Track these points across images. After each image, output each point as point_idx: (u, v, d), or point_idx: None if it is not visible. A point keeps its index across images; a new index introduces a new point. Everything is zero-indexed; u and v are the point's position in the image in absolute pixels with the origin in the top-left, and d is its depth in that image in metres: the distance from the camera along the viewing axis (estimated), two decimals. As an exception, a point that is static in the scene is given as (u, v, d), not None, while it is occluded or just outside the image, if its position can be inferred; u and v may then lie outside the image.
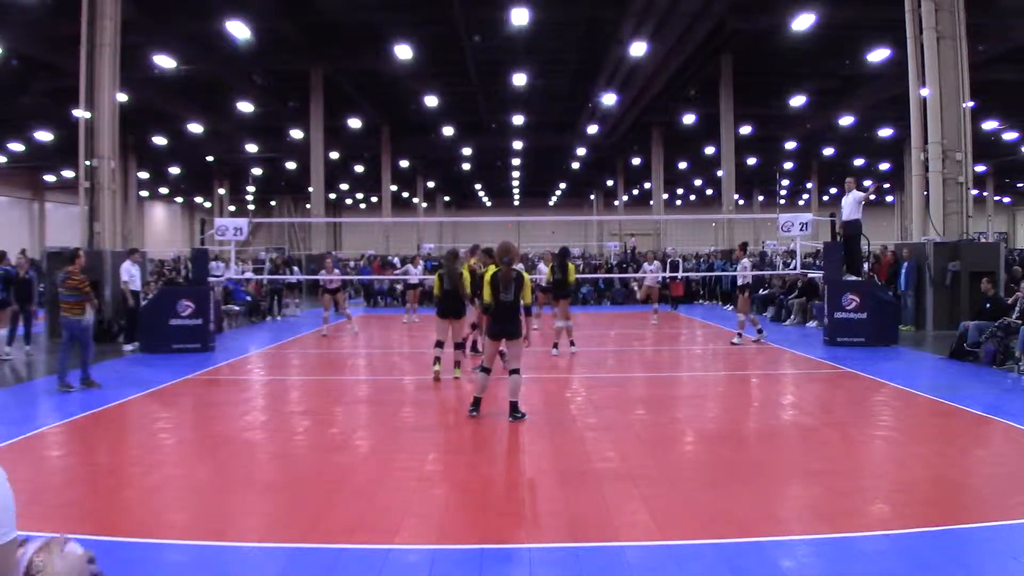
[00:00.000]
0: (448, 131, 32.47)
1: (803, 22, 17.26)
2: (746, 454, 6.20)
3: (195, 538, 4.31)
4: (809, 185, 46.81)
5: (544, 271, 19.52)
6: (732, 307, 21.10)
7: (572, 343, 11.93)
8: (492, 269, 10.26)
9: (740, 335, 12.93)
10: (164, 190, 49.69)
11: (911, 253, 14.29)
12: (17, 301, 11.91)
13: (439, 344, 9.54)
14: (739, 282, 13.33)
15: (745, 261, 13.31)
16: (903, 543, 4.13)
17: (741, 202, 45.65)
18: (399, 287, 22.46)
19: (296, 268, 23.08)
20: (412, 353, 12.66)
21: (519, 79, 22.88)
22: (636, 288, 19.03)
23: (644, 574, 3.77)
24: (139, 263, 13.30)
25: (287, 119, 29.73)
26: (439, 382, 9.25)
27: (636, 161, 40.65)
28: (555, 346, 11.79)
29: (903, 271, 14.37)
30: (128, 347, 12.56)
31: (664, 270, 19.33)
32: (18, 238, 33.54)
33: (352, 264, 28.57)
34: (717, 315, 19.16)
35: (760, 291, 19.48)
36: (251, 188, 49.43)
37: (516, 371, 7.18)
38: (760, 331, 13.14)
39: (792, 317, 16.62)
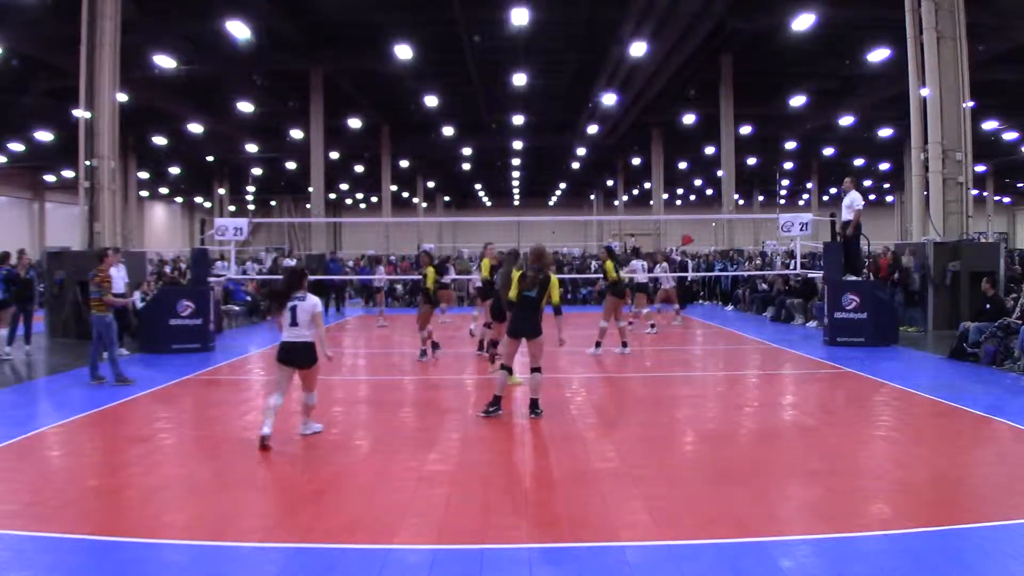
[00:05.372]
0: (448, 131, 32.46)
1: (803, 22, 17.26)
2: (746, 454, 6.19)
3: (195, 538, 4.31)
4: (809, 185, 46.81)
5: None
6: (732, 307, 21.14)
7: (624, 344, 12.05)
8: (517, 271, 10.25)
9: (653, 325, 14.79)
10: (164, 190, 49.63)
11: (917, 254, 14.11)
12: (17, 301, 11.90)
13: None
14: (665, 284, 15.88)
15: (664, 264, 16.15)
16: (903, 543, 4.13)
17: (741, 202, 45.61)
18: (398, 288, 22.55)
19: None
20: (412, 353, 12.64)
21: (519, 79, 22.87)
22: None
23: (644, 574, 3.78)
24: (121, 263, 12.93)
25: (287, 119, 29.71)
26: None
27: (636, 161, 40.62)
28: (624, 344, 11.99)
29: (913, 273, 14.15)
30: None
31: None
32: (18, 238, 33.41)
33: (351, 264, 28.54)
34: (717, 315, 19.14)
35: (760, 291, 19.50)
36: (251, 188, 49.41)
37: (538, 369, 7.33)
38: (652, 325, 14.78)
39: (792, 317, 16.60)
